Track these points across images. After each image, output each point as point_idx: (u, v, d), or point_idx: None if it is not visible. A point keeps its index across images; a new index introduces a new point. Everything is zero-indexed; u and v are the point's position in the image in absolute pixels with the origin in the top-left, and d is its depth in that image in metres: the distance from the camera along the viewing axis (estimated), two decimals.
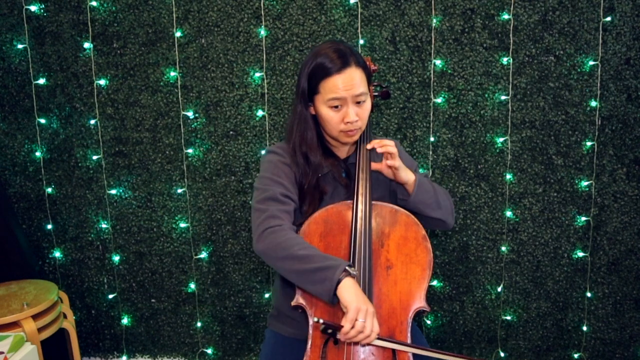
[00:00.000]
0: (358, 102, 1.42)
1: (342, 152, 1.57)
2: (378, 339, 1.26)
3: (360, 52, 2.18)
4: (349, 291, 1.22)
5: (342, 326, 1.22)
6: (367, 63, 1.53)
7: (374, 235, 1.39)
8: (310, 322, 1.32)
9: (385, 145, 1.43)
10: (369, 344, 1.30)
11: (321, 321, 1.22)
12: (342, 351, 1.30)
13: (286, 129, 1.56)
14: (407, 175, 1.46)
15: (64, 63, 2.30)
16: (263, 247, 1.33)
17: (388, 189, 1.56)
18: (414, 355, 1.34)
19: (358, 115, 1.42)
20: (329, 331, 1.26)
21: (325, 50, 1.42)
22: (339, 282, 1.23)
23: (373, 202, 1.43)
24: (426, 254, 1.39)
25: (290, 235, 1.32)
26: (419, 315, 1.40)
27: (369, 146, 1.46)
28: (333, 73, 1.38)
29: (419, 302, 1.36)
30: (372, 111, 1.61)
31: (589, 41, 2.11)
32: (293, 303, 1.36)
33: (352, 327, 1.20)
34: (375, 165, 1.48)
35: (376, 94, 1.61)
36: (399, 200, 1.51)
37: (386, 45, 2.18)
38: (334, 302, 1.25)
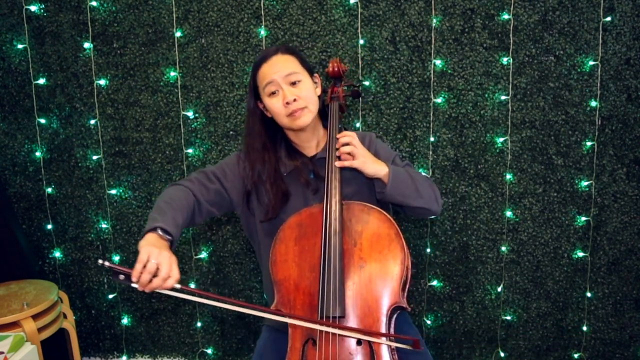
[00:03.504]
0: (293, 83, 1.48)
1: (310, 150, 1.58)
2: (182, 290, 1.23)
3: (360, 52, 2.18)
4: (145, 241, 1.26)
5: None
6: (335, 64, 1.61)
7: (345, 234, 1.39)
8: (100, 263, 1.25)
9: (341, 145, 1.45)
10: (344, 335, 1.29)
11: (107, 264, 1.20)
12: (321, 352, 1.31)
13: None
14: (376, 169, 1.44)
15: (64, 63, 2.30)
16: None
17: (366, 184, 1.55)
18: (399, 352, 1.34)
19: (295, 95, 1.46)
20: (121, 277, 1.21)
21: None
22: (146, 235, 1.29)
23: (345, 201, 1.44)
24: (400, 250, 1.38)
25: (174, 190, 1.46)
26: (399, 313, 1.38)
27: (336, 164, 1.46)
28: (262, 63, 1.49)
29: (394, 298, 1.35)
30: (342, 111, 1.64)
31: (589, 41, 2.11)
32: (272, 307, 1.38)
33: (144, 268, 1.19)
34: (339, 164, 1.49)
35: (347, 94, 1.65)
36: (377, 194, 1.49)
37: (386, 45, 2.18)
38: None
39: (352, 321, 1.33)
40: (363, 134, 1.64)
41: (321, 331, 1.31)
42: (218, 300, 1.28)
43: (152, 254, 1.20)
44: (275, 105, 1.48)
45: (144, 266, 1.19)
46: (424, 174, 1.57)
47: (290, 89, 1.46)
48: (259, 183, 1.52)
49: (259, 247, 1.59)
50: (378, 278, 1.37)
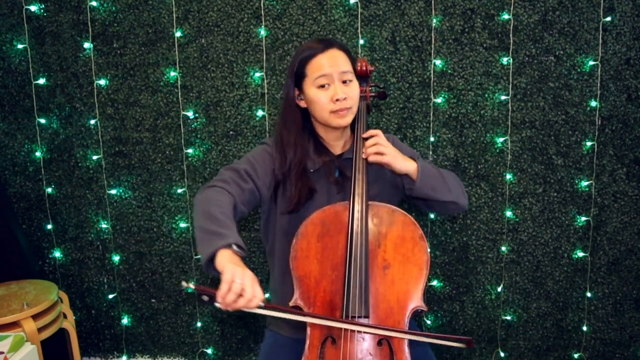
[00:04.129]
0: (344, 82, 1.45)
1: (337, 148, 1.57)
2: (265, 308, 1.21)
3: (360, 52, 2.18)
4: (224, 258, 1.19)
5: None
6: (363, 63, 1.58)
7: (370, 235, 1.40)
8: (185, 286, 1.21)
9: (370, 149, 1.43)
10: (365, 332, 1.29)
11: (192, 285, 1.16)
12: (340, 351, 1.30)
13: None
14: (406, 165, 1.44)
15: (64, 63, 2.30)
16: (198, 197, 1.37)
17: (392, 184, 1.56)
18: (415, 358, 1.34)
19: (346, 94, 1.44)
20: (205, 298, 1.18)
21: (309, 42, 1.50)
22: (218, 251, 1.21)
23: (370, 202, 1.44)
24: (423, 254, 1.39)
25: (223, 197, 1.34)
26: (417, 315, 1.40)
27: (364, 156, 1.46)
28: (317, 54, 1.45)
29: (417, 302, 1.36)
30: (369, 111, 1.62)
31: (589, 41, 2.11)
32: (291, 304, 1.37)
33: (230, 290, 1.15)
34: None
35: (373, 94, 1.63)
36: (406, 190, 1.49)
37: (386, 45, 2.18)
38: (207, 270, 1.23)
39: (373, 322, 1.33)
40: (386, 135, 1.63)
41: (344, 330, 1.31)
42: (306, 316, 1.29)
43: (237, 274, 1.15)
44: (321, 99, 1.44)
45: (229, 287, 1.15)
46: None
47: (342, 87, 1.44)
48: (287, 174, 1.49)
49: (273, 243, 1.57)
50: (401, 280, 1.37)
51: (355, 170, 1.46)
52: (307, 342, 1.33)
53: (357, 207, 1.40)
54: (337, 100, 1.43)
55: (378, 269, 1.37)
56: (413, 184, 1.45)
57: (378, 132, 1.46)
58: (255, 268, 2.40)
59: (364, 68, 1.59)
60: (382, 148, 1.43)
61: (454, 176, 1.56)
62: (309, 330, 1.34)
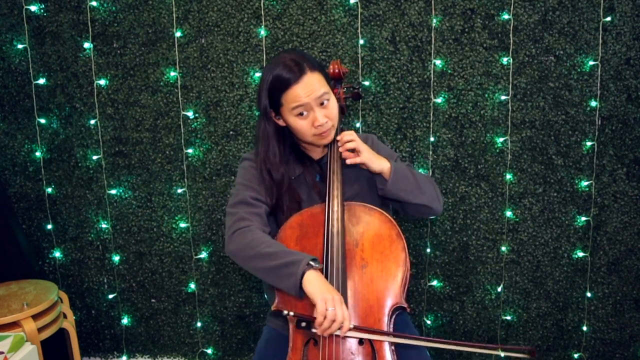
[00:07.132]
0: (322, 104, 1.44)
1: (317, 153, 1.59)
2: (355, 328, 1.28)
3: (359, 52, 2.18)
4: (313, 283, 1.25)
5: (315, 318, 1.24)
6: (336, 66, 1.59)
7: (347, 235, 1.41)
8: (285, 314, 1.31)
9: (344, 144, 1.45)
10: (346, 336, 1.30)
11: (292, 314, 1.26)
12: (324, 351, 1.31)
13: (254, 142, 1.60)
14: (381, 165, 1.46)
15: (64, 63, 2.30)
16: (233, 248, 1.38)
17: (371, 183, 1.57)
18: (398, 351, 1.35)
19: (327, 116, 1.44)
20: (303, 324, 1.27)
21: (279, 62, 1.44)
22: (303, 276, 1.26)
23: (346, 202, 1.45)
24: (401, 251, 1.40)
25: (258, 234, 1.37)
26: (399, 313, 1.39)
27: (342, 155, 1.47)
28: (292, 84, 1.41)
29: (395, 299, 1.36)
30: (344, 113, 1.63)
31: (589, 41, 2.11)
32: (273, 308, 1.38)
33: (325, 318, 1.22)
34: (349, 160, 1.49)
35: (347, 95, 1.64)
36: (378, 190, 1.51)
37: (386, 45, 2.18)
38: (301, 296, 1.28)
39: (353, 321, 1.34)
40: (365, 135, 1.65)
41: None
42: (404, 338, 1.33)
43: (329, 302, 1.23)
44: (303, 126, 1.45)
45: (325, 317, 1.23)
46: (425, 173, 1.59)
47: (320, 111, 1.44)
48: (278, 192, 1.50)
49: None
50: (380, 279, 1.37)
51: (330, 172, 1.47)
52: (290, 344, 1.34)
53: (334, 208, 1.41)
54: (318, 125, 1.43)
55: (357, 269, 1.38)
56: (385, 183, 1.46)
57: (352, 132, 1.47)
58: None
59: (337, 70, 1.60)
60: (357, 145, 1.44)
61: (430, 180, 1.56)
62: (291, 332, 1.35)
